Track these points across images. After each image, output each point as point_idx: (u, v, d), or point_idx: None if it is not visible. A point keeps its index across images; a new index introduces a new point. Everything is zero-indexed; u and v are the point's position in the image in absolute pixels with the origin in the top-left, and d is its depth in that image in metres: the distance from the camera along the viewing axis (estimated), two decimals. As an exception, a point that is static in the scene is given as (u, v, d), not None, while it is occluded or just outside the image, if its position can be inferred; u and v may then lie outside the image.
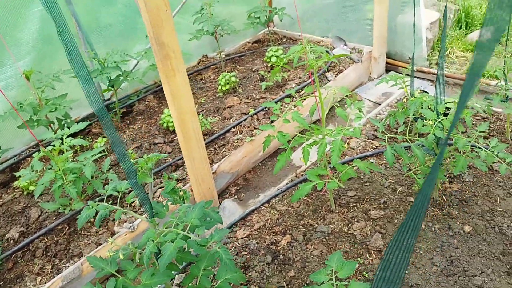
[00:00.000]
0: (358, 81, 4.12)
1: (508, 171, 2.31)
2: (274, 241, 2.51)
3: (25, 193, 3.15)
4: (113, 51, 3.57)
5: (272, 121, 3.43)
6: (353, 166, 2.35)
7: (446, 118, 2.23)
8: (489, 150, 2.23)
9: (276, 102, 3.60)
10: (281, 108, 2.39)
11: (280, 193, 2.90)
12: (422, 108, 2.38)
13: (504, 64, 2.76)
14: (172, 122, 3.45)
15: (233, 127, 3.50)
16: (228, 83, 3.96)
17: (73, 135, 3.13)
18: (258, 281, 2.29)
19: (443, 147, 0.92)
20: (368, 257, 2.31)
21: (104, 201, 1.69)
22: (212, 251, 1.45)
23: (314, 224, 2.58)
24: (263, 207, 2.81)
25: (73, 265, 2.48)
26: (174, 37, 2.34)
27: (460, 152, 2.32)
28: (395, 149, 2.32)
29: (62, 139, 2.80)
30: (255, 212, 2.78)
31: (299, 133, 2.43)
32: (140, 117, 3.92)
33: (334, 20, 4.55)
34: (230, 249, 2.50)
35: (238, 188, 3.18)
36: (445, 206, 2.52)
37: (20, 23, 3.40)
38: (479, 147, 2.25)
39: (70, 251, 2.67)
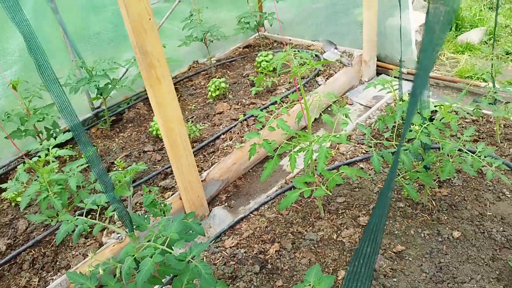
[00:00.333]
0: (349, 84, 4.11)
1: (497, 175, 2.29)
2: (263, 249, 2.48)
3: (13, 204, 3.12)
4: (101, 59, 3.54)
5: (258, 129, 3.40)
6: (341, 173, 2.33)
7: (432, 123, 2.21)
8: (475, 155, 2.21)
9: (263, 109, 3.59)
10: (268, 115, 2.37)
11: (269, 200, 2.87)
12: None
13: (492, 67, 2.74)
14: (161, 129, 3.42)
15: (223, 133, 3.47)
16: (218, 89, 3.94)
17: (60, 146, 3.10)
18: (246, 291, 2.26)
19: (396, 157, 0.91)
20: (357, 265, 2.28)
21: (84, 215, 1.67)
22: (191, 265, 1.42)
23: (303, 231, 2.55)
24: (252, 215, 2.78)
25: (60, 278, 2.45)
26: (159, 46, 2.32)
27: (448, 156, 2.30)
28: (381, 155, 2.31)
29: (48, 149, 2.77)
30: (244, 220, 2.76)
31: (287, 140, 2.41)
32: (130, 125, 3.89)
33: (325, 23, 4.54)
34: (218, 259, 2.47)
35: (229, 195, 3.15)
36: (434, 211, 2.50)
37: (6, 33, 3.38)
38: (465, 152, 2.23)
39: (58, 263, 2.64)
